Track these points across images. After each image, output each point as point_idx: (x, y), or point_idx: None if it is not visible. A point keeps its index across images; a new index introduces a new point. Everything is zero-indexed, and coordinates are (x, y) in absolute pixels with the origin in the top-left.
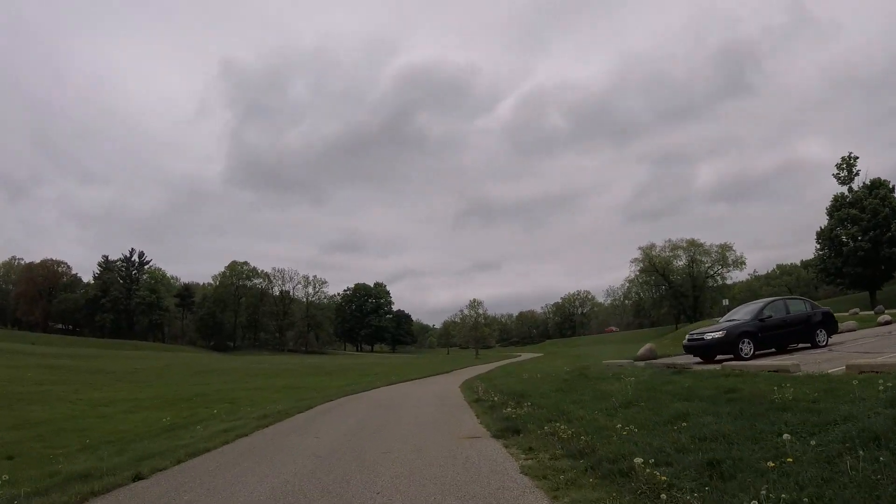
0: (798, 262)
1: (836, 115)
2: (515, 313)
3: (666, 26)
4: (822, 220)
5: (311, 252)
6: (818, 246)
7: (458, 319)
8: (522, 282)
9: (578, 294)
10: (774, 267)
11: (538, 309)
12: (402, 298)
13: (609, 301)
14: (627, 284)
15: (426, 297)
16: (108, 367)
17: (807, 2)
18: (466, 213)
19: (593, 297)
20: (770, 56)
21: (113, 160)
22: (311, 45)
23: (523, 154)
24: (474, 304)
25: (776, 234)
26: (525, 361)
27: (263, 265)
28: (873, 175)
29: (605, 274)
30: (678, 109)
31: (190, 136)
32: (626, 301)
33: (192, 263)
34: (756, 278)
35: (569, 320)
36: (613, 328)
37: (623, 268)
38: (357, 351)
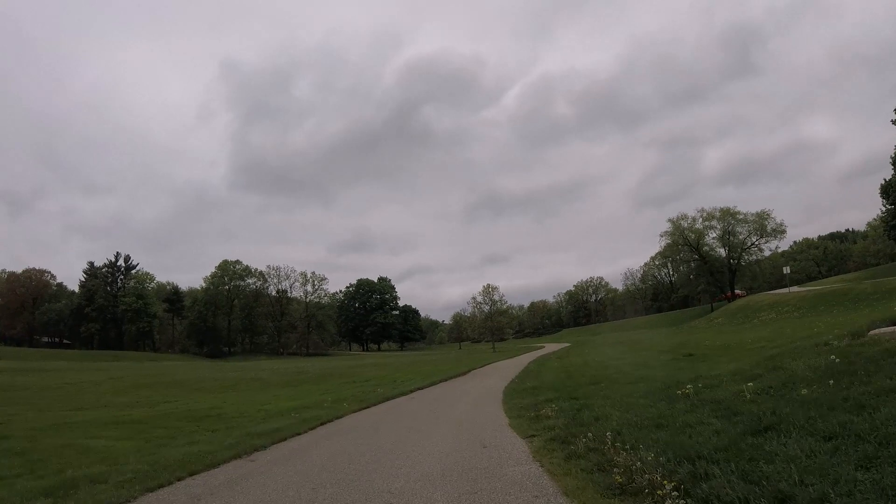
0: (815, 238)
1: (842, 93)
2: (526, 305)
3: (672, 8)
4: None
5: (322, 253)
6: (884, 200)
7: (468, 312)
8: (533, 273)
9: (591, 281)
10: (792, 244)
11: (550, 299)
12: (414, 296)
13: (628, 284)
14: (643, 270)
15: (438, 294)
16: (34, 383)
17: None
18: (476, 206)
19: (607, 284)
20: (776, 35)
21: (116, 170)
22: (316, 42)
23: (531, 144)
24: (488, 290)
25: (786, 214)
26: (563, 353)
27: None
28: None
29: (617, 262)
30: (685, 92)
31: (193, 141)
32: (644, 285)
33: (202, 271)
34: (778, 254)
35: (583, 308)
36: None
37: (635, 254)
38: (363, 350)
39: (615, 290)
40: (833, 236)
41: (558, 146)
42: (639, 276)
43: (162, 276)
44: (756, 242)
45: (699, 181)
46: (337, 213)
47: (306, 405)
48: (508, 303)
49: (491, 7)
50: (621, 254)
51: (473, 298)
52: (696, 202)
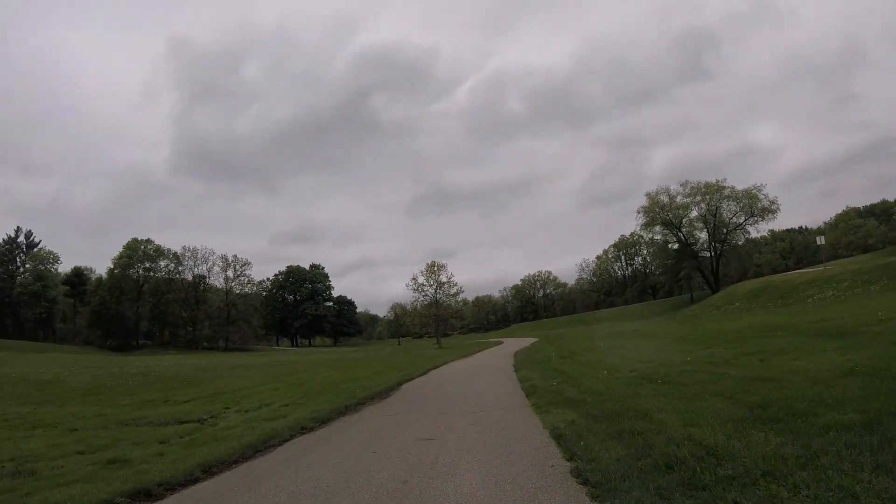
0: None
1: (788, 100)
2: (471, 300)
3: (629, 11)
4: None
5: (263, 244)
6: None
7: (410, 304)
8: (478, 269)
9: (539, 275)
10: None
11: (496, 293)
12: (358, 290)
13: (582, 277)
14: (596, 263)
15: (382, 288)
16: None
17: None
18: (424, 199)
19: (556, 278)
20: (729, 42)
21: (56, 150)
22: (270, 24)
23: (481, 139)
24: (433, 269)
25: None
26: (555, 352)
27: None
28: None
29: (562, 259)
30: (636, 94)
31: (136, 122)
32: (596, 279)
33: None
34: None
35: (530, 303)
36: None
37: (580, 253)
38: (293, 346)
39: (564, 285)
40: (789, 231)
41: (508, 142)
42: (591, 269)
43: (101, 264)
44: (743, 223)
45: (645, 182)
46: (281, 203)
47: None
48: (459, 286)
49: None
50: (567, 252)
51: (414, 279)
52: (640, 202)
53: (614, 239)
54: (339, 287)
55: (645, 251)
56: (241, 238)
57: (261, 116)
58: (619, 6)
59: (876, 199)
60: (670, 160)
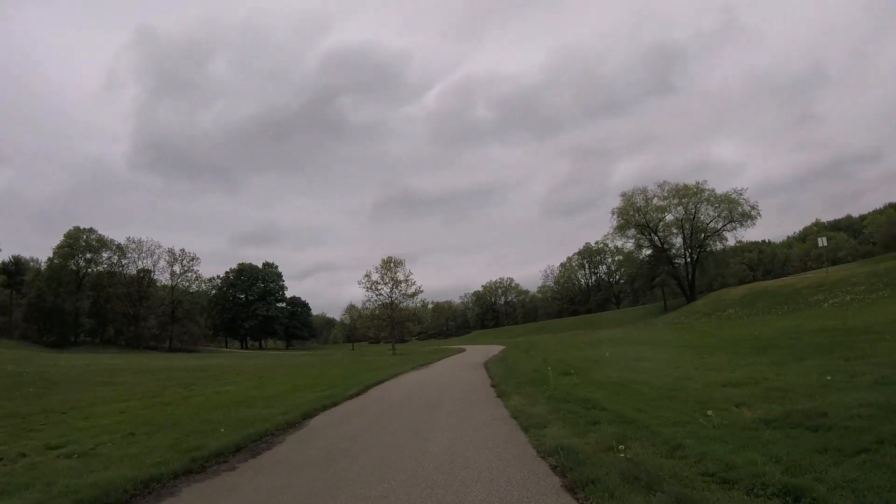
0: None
1: (751, 117)
2: (430, 305)
3: (602, 24)
4: None
5: (223, 244)
6: None
7: (364, 296)
8: (440, 275)
9: (501, 282)
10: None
11: (456, 299)
12: (317, 294)
13: (546, 284)
14: (560, 271)
15: (341, 293)
16: None
17: (737, 10)
18: (387, 203)
19: (518, 285)
20: (696, 59)
21: (10, 138)
22: (240, 18)
23: (448, 144)
24: (389, 265)
25: None
26: (555, 366)
27: None
28: None
29: (525, 267)
30: (603, 106)
31: (98, 113)
32: (558, 286)
33: None
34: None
35: (491, 310)
36: None
37: (542, 262)
38: (243, 348)
39: (526, 292)
40: (755, 244)
41: (475, 148)
42: (555, 275)
43: None
44: (720, 229)
45: (607, 193)
46: (242, 203)
47: None
48: (417, 285)
49: (424, 4)
50: (529, 260)
51: (367, 277)
52: (602, 213)
53: (576, 248)
54: (298, 290)
55: (610, 259)
56: (200, 237)
57: (225, 113)
58: (591, 20)
59: (833, 217)
60: (633, 172)
